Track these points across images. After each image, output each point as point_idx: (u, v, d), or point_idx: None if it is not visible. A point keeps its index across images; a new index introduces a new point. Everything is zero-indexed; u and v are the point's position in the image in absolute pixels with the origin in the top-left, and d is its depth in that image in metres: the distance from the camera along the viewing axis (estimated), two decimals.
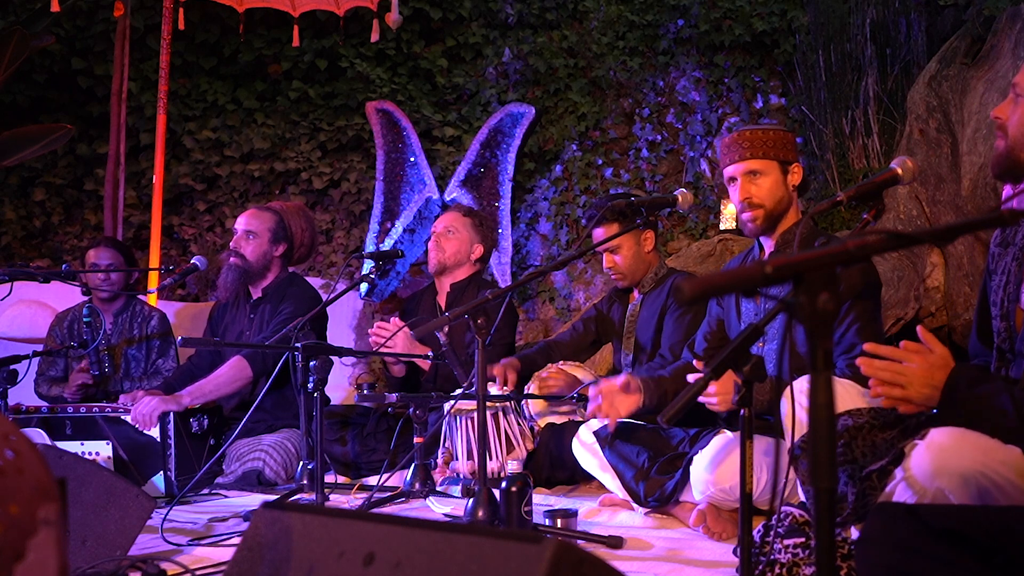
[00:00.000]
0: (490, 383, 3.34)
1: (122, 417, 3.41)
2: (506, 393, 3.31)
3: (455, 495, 3.13)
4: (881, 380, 1.64)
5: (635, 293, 3.59)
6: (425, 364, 3.77)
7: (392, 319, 3.62)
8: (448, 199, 5.62)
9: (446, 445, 3.38)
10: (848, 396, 2.04)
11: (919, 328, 1.70)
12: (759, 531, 1.97)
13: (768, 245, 2.70)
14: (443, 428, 3.33)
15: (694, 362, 2.77)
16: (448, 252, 3.89)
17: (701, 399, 2.36)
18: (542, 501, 3.03)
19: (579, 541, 2.45)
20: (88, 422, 3.43)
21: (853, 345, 2.44)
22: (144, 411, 3.35)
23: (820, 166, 5.20)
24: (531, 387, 3.45)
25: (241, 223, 3.92)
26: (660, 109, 5.98)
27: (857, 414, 1.87)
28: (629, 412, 2.75)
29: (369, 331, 3.67)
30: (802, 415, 1.93)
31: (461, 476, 3.19)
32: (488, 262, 4.11)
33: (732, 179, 2.65)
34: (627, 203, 2.91)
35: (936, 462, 1.60)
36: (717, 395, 2.41)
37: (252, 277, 3.91)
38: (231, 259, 3.88)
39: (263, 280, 3.93)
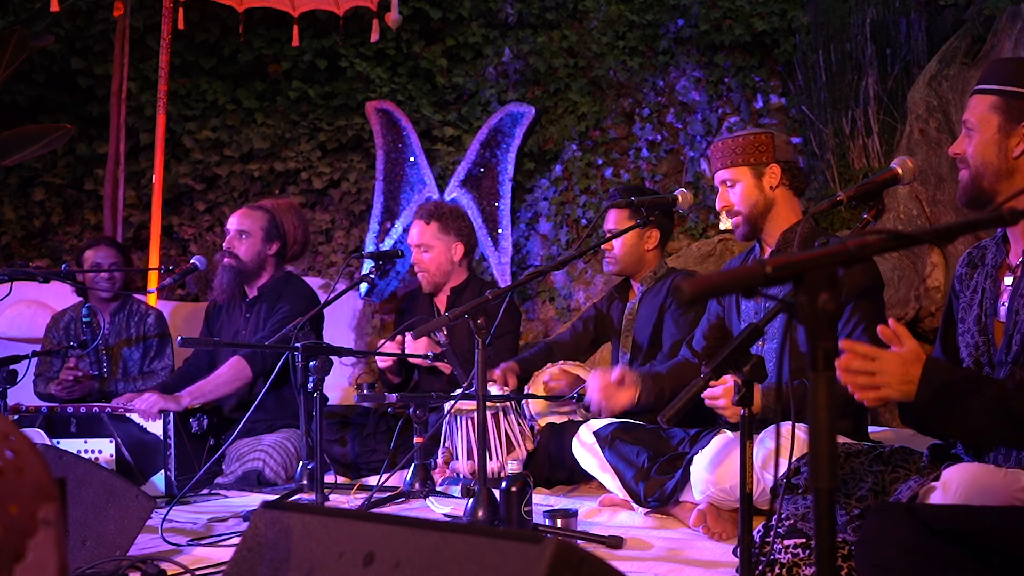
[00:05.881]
0: (490, 384, 3.34)
1: (127, 415, 3.44)
2: (506, 393, 3.31)
3: (455, 495, 3.13)
4: (858, 384, 1.64)
5: (634, 290, 3.58)
6: (446, 366, 3.69)
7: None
8: (448, 199, 5.61)
9: (446, 445, 3.38)
10: None
11: (891, 320, 1.70)
12: (759, 531, 1.97)
13: (768, 245, 2.71)
14: (443, 428, 3.32)
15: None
16: (432, 269, 3.87)
17: (710, 403, 2.36)
18: (542, 501, 3.03)
19: (579, 541, 2.45)
20: (93, 419, 3.46)
21: None
22: (147, 404, 3.37)
23: (820, 166, 5.20)
24: (531, 387, 3.44)
25: (233, 223, 3.91)
26: (660, 109, 5.98)
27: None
28: (624, 407, 2.75)
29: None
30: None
31: (461, 476, 3.19)
32: (475, 250, 4.05)
33: (716, 188, 2.77)
34: (627, 203, 2.92)
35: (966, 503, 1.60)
36: (727, 408, 2.36)
37: (247, 277, 3.90)
38: (225, 259, 3.87)
39: (258, 279, 3.93)
